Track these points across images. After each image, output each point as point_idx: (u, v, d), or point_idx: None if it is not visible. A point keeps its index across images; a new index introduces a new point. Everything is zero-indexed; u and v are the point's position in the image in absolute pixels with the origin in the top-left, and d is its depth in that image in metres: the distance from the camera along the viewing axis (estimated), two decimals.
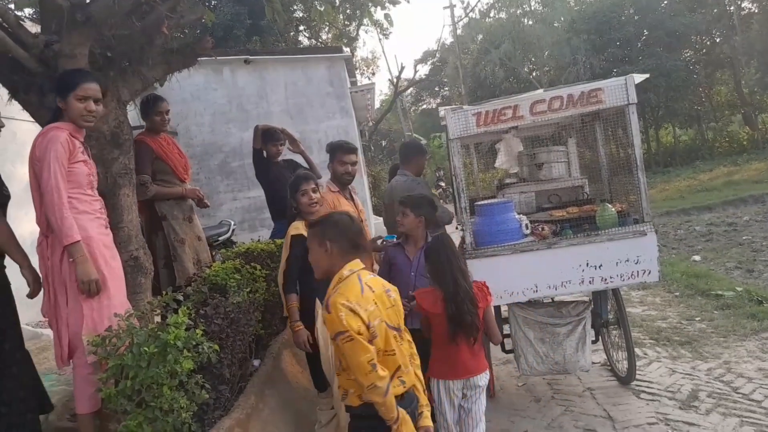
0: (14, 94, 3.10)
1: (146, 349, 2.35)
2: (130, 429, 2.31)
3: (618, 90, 3.73)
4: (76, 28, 2.94)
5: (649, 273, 3.78)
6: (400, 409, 2.20)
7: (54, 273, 2.68)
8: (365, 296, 2.20)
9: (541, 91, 4.12)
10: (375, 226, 10.42)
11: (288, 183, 3.62)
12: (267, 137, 5.22)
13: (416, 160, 4.66)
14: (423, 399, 2.39)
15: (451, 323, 2.88)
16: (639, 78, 3.84)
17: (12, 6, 3.37)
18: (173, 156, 4.26)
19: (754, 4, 28.11)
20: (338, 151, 4.03)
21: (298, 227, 3.43)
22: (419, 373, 2.42)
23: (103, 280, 2.69)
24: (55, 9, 2.96)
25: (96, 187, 2.88)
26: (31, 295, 2.87)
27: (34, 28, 3.26)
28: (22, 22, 3.05)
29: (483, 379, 3.03)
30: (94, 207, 2.82)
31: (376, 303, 2.23)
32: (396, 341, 2.28)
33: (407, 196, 3.65)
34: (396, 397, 2.20)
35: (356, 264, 2.31)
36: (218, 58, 9.75)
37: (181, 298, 2.91)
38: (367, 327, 2.15)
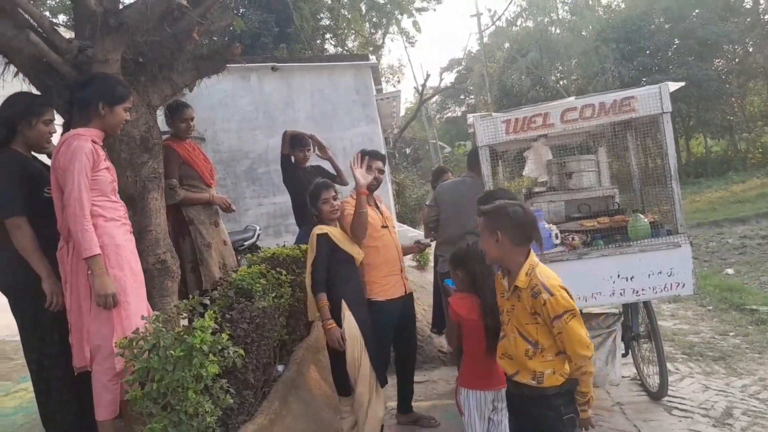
0: (48, 98, 3.15)
1: (172, 352, 2.35)
2: (155, 431, 2.31)
3: (652, 98, 3.64)
4: (109, 33, 2.98)
5: (684, 286, 3.67)
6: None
7: (79, 278, 2.68)
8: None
9: (572, 98, 4.05)
10: (399, 233, 10.37)
11: None
12: (295, 143, 5.25)
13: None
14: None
15: (489, 333, 2.81)
16: (674, 86, 3.75)
17: (47, 12, 3.43)
18: (199, 161, 4.30)
19: None
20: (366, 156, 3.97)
21: (322, 228, 3.47)
22: None
23: (127, 288, 2.71)
24: (88, 15, 3.01)
25: (117, 192, 2.90)
26: (51, 307, 2.85)
27: (68, 34, 3.31)
28: (56, 28, 3.10)
29: None
30: (119, 213, 2.83)
31: None
32: None
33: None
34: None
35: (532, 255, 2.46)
36: (246, 65, 9.85)
37: (207, 302, 2.91)
38: None
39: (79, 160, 2.63)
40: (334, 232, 3.51)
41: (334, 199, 3.55)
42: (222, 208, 4.42)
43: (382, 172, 4.03)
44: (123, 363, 2.58)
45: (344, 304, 3.40)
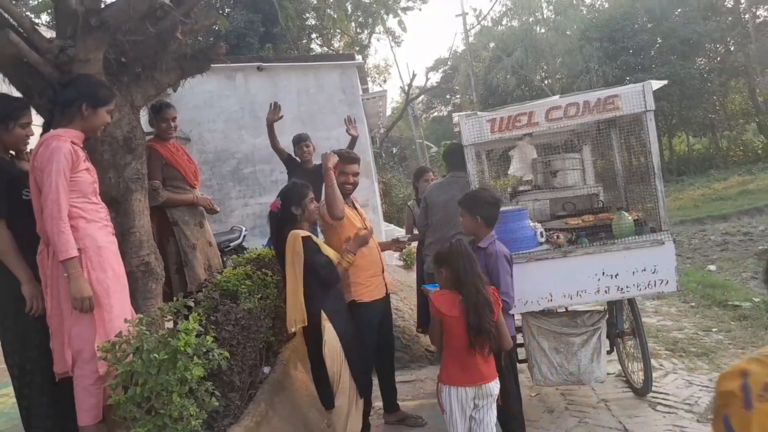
0: (29, 99, 3.11)
1: (156, 355, 2.32)
2: None
3: (635, 97, 3.67)
4: (91, 33, 2.94)
5: (667, 283, 3.71)
6: None
7: (60, 282, 2.63)
8: None
9: (556, 97, 4.07)
10: (386, 233, 10.37)
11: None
12: (294, 141, 5.67)
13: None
14: None
15: (471, 331, 2.83)
16: (657, 84, 3.79)
17: (28, 12, 3.38)
18: (183, 162, 4.26)
19: None
20: (340, 162, 3.84)
21: (300, 231, 3.35)
22: None
23: (110, 291, 2.67)
24: (69, 14, 2.96)
25: (98, 193, 2.85)
26: (31, 312, 2.80)
27: (49, 34, 3.26)
28: (37, 27, 3.05)
29: (495, 387, 2.97)
30: (100, 215, 2.79)
31: None
32: None
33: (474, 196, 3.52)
34: None
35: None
36: (231, 64, 9.78)
37: (191, 304, 2.88)
38: None
39: (57, 161, 2.58)
40: (311, 236, 3.43)
41: (312, 200, 3.49)
42: (206, 209, 4.38)
43: (356, 175, 3.95)
44: (106, 367, 2.55)
45: (323, 315, 3.28)
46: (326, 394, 3.40)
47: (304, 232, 3.35)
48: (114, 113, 2.98)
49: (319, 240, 3.53)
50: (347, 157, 3.91)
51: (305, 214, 3.44)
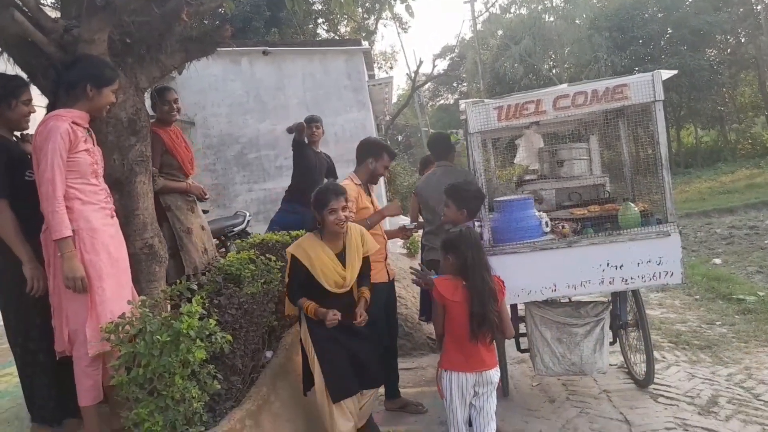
0: (32, 79, 3.09)
1: (159, 337, 2.33)
2: (141, 417, 2.30)
3: (644, 86, 3.63)
4: (96, 13, 2.91)
5: (672, 275, 3.68)
6: None
7: (59, 261, 2.63)
8: None
9: (564, 86, 4.03)
10: (390, 221, 10.36)
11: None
12: (307, 121, 5.74)
13: (452, 152, 4.90)
14: None
15: (474, 319, 2.83)
16: (667, 74, 3.74)
17: None
18: (181, 150, 4.26)
19: None
20: (386, 154, 4.13)
21: (300, 246, 3.23)
22: None
23: (103, 274, 2.67)
24: None
25: (101, 175, 2.84)
26: (32, 292, 2.81)
27: (53, 14, 3.24)
28: (42, 7, 3.03)
29: (496, 374, 2.97)
30: (99, 197, 2.77)
31: None
32: None
33: (455, 188, 3.68)
34: None
35: None
36: (237, 48, 9.73)
37: (195, 287, 2.88)
38: None
39: (53, 140, 2.57)
40: (316, 254, 3.18)
41: (344, 209, 3.17)
42: (198, 197, 4.40)
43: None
44: (95, 350, 2.58)
45: (302, 314, 3.27)
46: (304, 378, 3.37)
47: (300, 250, 3.21)
48: (119, 94, 2.96)
49: (323, 260, 3.22)
50: (393, 153, 4.25)
51: (324, 224, 3.22)
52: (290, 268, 3.27)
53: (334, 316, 3.09)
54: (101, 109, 2.85)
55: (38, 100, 3.14)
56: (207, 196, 4.48)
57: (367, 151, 4.11)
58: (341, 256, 3.27)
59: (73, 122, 2.68)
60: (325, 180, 5.64)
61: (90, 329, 2.60)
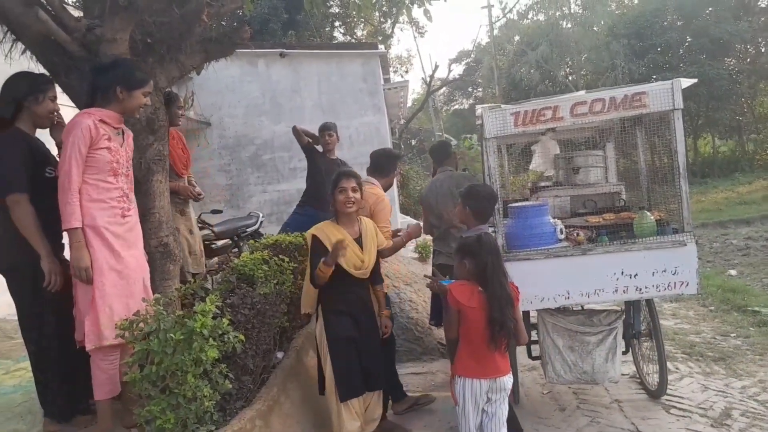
0: (55, 77, 3.14)
1: (172, 335, 2.35)
2: (153, 414, 2.31)
3: (663, 94, 3.60)
4: (118, 13, 2.95)
5: (687, 285, 3.65)
6: None
7: None
8: None
9: (582, 92, 4.01)
10: (401, 225, 10.36)
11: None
12: (319, 129, 5.74)
13: (453, 157, 4.99)
14: None
15: (492, 326, 2.81)
16: (686, 83, 3.71)
17: None
18: (176, 151, 4.32)
19: None
20: (396, 164, 4.36)
21: (319, 228, 3.37)
22: None
23: (104, 271, 2.70)
24: None
25: (122, 175, 2.87)
26: (49, 287, 2.86)
27: (77, 13, 3.29)
28: (65, 6, 3.08)
29: (509, 381, 2.95)
30: (111, 195, 2.80)
31: None
32: None
33: (469, 188, 3.69)
34: None
35: None
36: (254, 50, 9.79)
37: (209, 286, 2.90)
38: None
39: (75, 134, 2.66)
40: (336, 236, 3.27)
41: (354, 191, 3.35)
42: (190, 197, 4.43)
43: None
44: (92, 344, 2.65)
45: (320, 310, 3.38)
46: (319, 378, 3.43)
47: (320, 231, 3.36)
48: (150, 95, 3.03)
49: (333, 231, 3.38)
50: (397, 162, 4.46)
51: (335, 204, 3.39)
52: (311, 250, 3.37)
53: (339, 243, 3.13)
54: (133, 110, 2.93)
55: (61, 99, 3.20)
56: (201, 197, 4.54)
57: (394, 164, 4.33)
58: (359, 242, 3.42)
59: (101, 120, 2.74)
60: None
61: (88, 323, 2.66)
